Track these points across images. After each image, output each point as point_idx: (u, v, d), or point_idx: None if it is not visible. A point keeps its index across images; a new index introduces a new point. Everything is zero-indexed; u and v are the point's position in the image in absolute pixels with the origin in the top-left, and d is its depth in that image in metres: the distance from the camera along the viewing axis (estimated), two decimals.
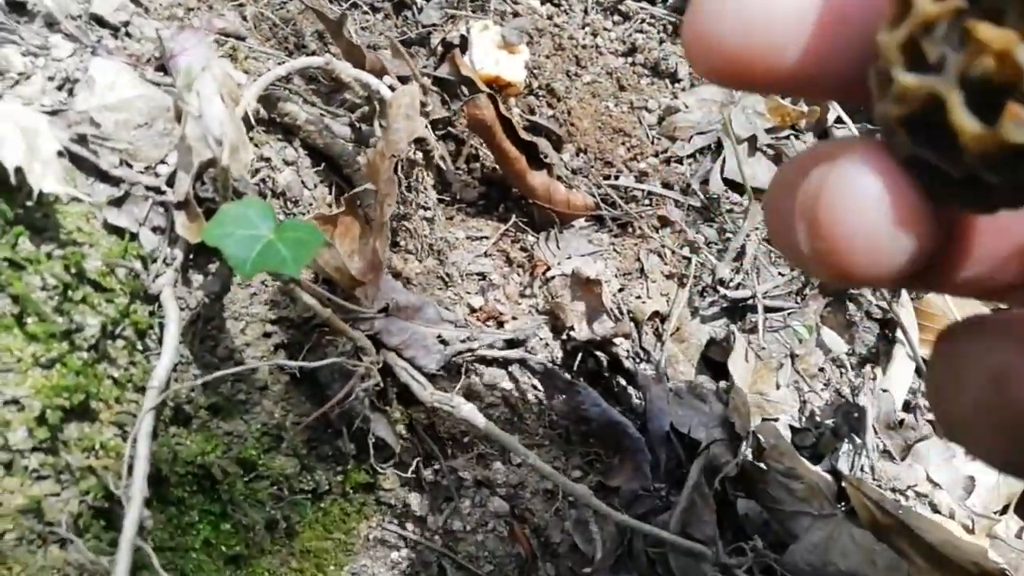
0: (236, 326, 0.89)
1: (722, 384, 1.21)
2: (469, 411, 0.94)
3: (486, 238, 1.17)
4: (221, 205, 0.75)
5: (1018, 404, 0.33)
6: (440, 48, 1.19)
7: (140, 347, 0.80)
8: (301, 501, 0.97)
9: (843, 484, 1.20)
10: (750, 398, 1.23)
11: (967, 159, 0.27)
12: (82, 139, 0.75)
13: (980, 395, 0.34)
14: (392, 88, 0.92)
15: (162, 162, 0.81)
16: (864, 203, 0.29)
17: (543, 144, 1.20)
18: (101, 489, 0.77)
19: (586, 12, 1.41)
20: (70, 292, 0.72)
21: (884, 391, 1.32)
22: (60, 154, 0.68)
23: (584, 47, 1.36)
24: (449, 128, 1.16)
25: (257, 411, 0.92)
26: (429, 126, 1.02)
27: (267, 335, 0.92)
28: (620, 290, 1.20)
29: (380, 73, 0.95)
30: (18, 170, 0.64)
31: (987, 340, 0.36)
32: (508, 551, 1.04)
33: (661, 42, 1.43)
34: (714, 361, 1.25)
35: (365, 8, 1.19)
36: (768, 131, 1.41)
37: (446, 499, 1.05)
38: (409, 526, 1.05)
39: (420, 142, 0.91)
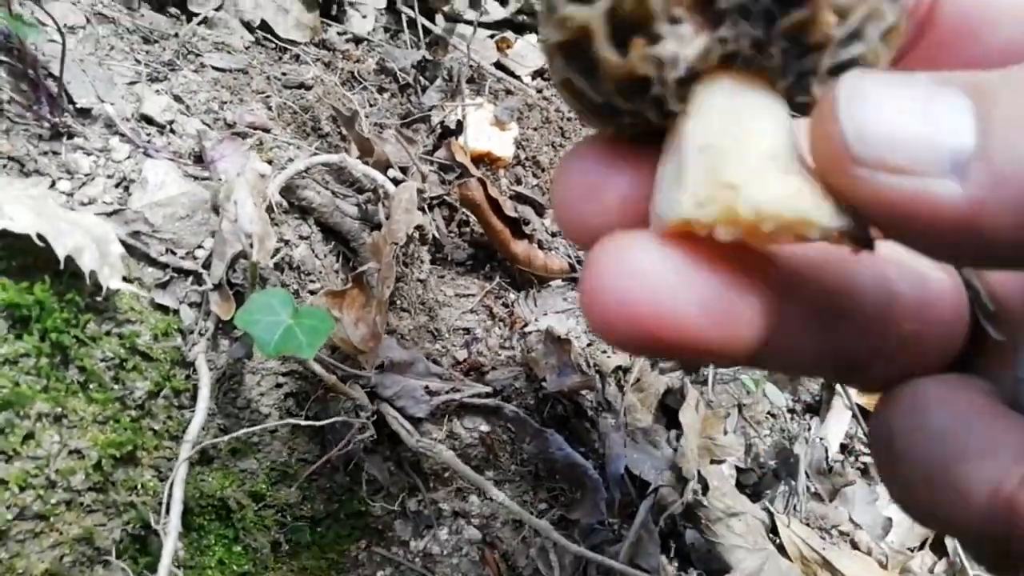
0: (253, 379, 1.05)
1: (674, 432, 1.37)
2: (449, 457, 1.11)
3: (472, 295, 1.33)
4: (249, 293, 0.91)
5: None
6: (439, 128, 1.34)
7: (177, 404, 0.95)
8: (301, 526, 1.12)
9: (776, 521, 1.37)
10: (700, 442, 1.39)
11: (605, 86, 0.30)
12: (136, 234, 0.90)
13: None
14: (395, 181, 1.07)
15: (199, 246, 0.96)
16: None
17: (526, 212, 1.36)
18: (139, 520, 0.93)
19: None
20: (124, 363, 0.88)
21: (820, 439, 1.48)
22: (122, 256, 0.83)
23: (569, 119, 1.52)
24: (444, 197, 1.31)
25: (268, 451, 1.08)
26: (426, 205, 1.17)
27: (279, 386, 1.08)
28: (588, 345, 1.36)
29: (385, 166, 1.10)
30: (92, 272, 0.79)
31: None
32: (479, 573, 1.20)
33: None
34: (670, 408, 1.41)
35: (374, 91, 1.34)
36: None
37: (427, 526, 1.21)
38: (394, 549, 1.21)
39: (418, 227, 1.07)
